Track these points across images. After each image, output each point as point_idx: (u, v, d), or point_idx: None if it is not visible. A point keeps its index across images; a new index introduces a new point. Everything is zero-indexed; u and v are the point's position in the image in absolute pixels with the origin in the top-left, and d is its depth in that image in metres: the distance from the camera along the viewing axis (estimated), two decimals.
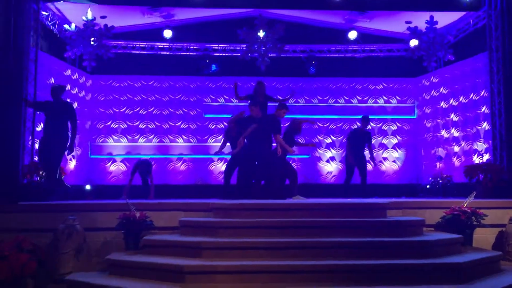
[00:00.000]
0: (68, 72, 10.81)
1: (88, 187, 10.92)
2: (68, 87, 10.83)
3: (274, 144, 8.06)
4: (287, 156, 8.43)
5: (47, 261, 5.57)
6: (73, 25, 10.38)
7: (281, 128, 7.98)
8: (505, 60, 8.96)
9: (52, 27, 10.06)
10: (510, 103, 8.88)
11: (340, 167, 12.14)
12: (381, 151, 12.36)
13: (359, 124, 10.21)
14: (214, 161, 12.07)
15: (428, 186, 11.09)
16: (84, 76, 11.54)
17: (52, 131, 7.79)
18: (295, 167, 11.83)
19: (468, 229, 6.24)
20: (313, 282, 4.73)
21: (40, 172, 7.64)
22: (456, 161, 10.86)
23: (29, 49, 8.38)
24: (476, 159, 10.10)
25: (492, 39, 9.32)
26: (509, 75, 8.90)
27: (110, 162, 11.84)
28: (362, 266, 4.88)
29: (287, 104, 8.52)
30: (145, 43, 11.92)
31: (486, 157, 9.73)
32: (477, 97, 10.30)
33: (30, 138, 8.51)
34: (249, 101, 8.38)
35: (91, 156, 11.76)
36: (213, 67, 11.96)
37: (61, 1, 9.30)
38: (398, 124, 12.47)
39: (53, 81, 10.08)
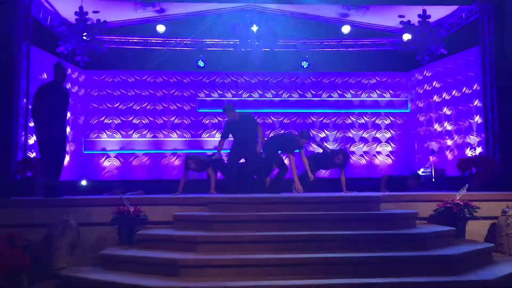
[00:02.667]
0: None
1: (84, 182, 10.88)
2: None
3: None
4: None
5: (41, 257, 5.55)
6: None
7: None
8: (497, 54, 9.02)
9: (44, 22, 10.00)
10: (502, 97, 8.94)
11: None
12: (375, 145, 12.41)
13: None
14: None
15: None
16: (77, 71, 11.49)
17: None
18: (288, 161, 11.90)
19: (461, 221, 6.29)
20: (308, 275, 4.75)
21: (34, 168, 7.62)
22: (449, 155, 10.92)
23: (21, 44, 8.33)
24: (468, 152, 10.17)
25: (485, 33, 9.36)
26: (501, 68, 8.95)
27: (104, 158, 11.81)
28: (355, 258, 4.91)
29: None
30: (138, 38, 11.88)
31: (479, 150, 9.80)
32: (470, 91, 10.36)
33: (23, 133, 8.47)
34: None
35: (85, 152, 11.73)
36: (201, 63, 11.90)
37: None
38: (391, 118, 12.51)
39: (45, 76, 10.03)
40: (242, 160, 8.00)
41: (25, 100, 8.49)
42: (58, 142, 6.64)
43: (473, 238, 6.45)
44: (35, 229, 5.96)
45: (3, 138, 7.55)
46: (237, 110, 7.89)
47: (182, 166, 11.79)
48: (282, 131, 11.83)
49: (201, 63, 11.93)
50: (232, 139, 7.95)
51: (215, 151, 11.80)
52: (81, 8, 9.92)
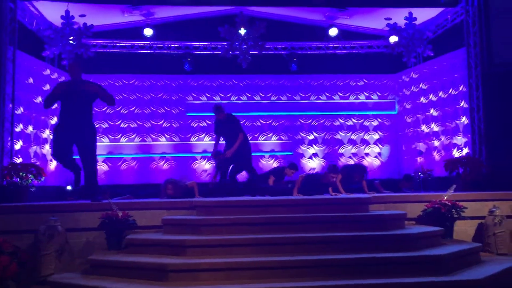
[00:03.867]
0: (47, 71, 10.66)
1: (69, 187, 10.78)
2: (48, 86, 10.70)
3: None
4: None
5: (28, 263, 5.50)
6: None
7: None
8: (483, 55, 9.11)
9: (29, 26, 9.91)
10: (488, 98, 9.03)
11: (323, 163, 12.21)
12: (363, 146, 12.47)
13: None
14: (197, 160, 12.05)
15: None
16: (64, 75, 11.36)
17: (75, 121, 6.83)
18: (278, 163, 11.95)
19: (449, 221, 6.35)
20: (297, 277, 4.76)
21: (20, 174, 7.54)
22: (436, 155, 11.00)
23: (6, 48, 8.24)
24: (455, 153, 10.25)
25: (470, 35, 9.45)
26: (486, 70, 9.05)
27: None
28: (345, 260, 4.93)
29: None
30: (125, 42, 11.81)
31: (466, 151, 9.88)
32: (456, 92, 10.45)
33: (9, 139, 8.38)
34: None
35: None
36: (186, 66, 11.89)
37: (39, 0, 9.16)
38: (379, 119, 12.58)
39: (31, 81, 9.94)
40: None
41: (10, 105, 8.40)
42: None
43: (460, 238, 6.52)
44: (22, 235, 5.92)
45: None
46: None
47: (170, 171, 11.81)
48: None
49: (187, 67, 11.88)
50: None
51: (205, 154, 11.91)
52: (67, 12, 9.85)
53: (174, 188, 7.54)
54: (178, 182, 7.81)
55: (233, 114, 9.11)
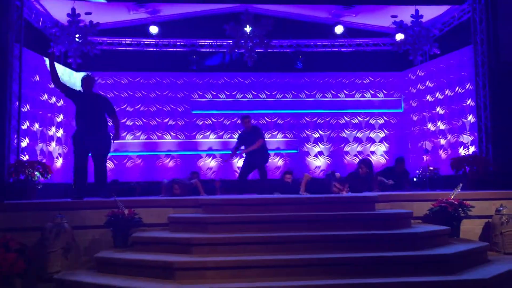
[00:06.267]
0: None
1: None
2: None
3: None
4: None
5: (35, 260, 5.51)
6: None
7: None
8: (490, 53, 9.04)
9: (36, 24, 9.93)
10: (495, 96, 8.97)
11: (328, 162, 12.19)
12: (369, 144, 12.44)
13: None
14: (203, 157, 12.05)
15: (415, 179, 11.16)
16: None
17: (91, 127, 7.05)
18: (283, 162, 11.96)
19: (455, 220, 6.31)
20: (303, 276, 4.75)
21: (27, 171, 7.56)
22: (443, 154, 10.96)
23: (13, 46, 8.25)
24: (462, 152, 10.21)
25: (477, 33, 9.39)
26: (493, 68, 8.98)
27: None
28: (352, 259, 4.91)
29: None
30: (131, 40, 11.83)
31: (472, 149, 9.84)
32: (463, 90, 10.40)
33: (15, 136, 8.41)
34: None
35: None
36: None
37: None
38: (385, 118, 12.55)
39: (38, 79, 9.97)
40: None
41: (17, 103, 8.42)
42: None
43: (467, 237, 6.48)
44: (28, 232, 5.92)
45: None
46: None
47: (175, 169, 11.83)
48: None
49: (192, 66, 11.91)
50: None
51: (210, 151, 11.93)
52: (73, 9, 9.87)
53: (180, 187, 7.56)
54: (183, 181, 7.83)
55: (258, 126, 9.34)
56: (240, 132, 9.24)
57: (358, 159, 12.10)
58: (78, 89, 7.39)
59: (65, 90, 7.27)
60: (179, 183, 7.66)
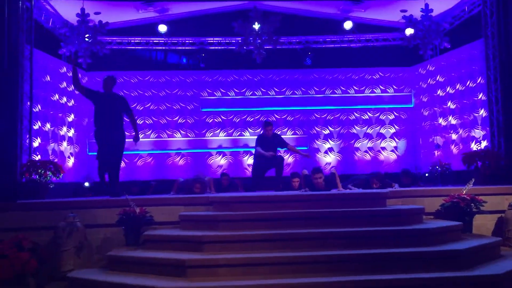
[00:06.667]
0: (64, 69, 10.77)
1: (86, 184, 10.90)
2: (64, 84, 10.80)
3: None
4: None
5: (48, 259, 5.56)
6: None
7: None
8: (501, 46, 8.93)
9: (45, 24, 10.00)
10: (507, 90, 8.87)
11: (338, 158, 12.15)
12: (379, 140, 12.37)
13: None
14: (213, 155, 12.07)
15: (427, 174, 11.10)
16: (80, 73, 11.42)
17: (108, 125, 7.25)
18: (293, 158, 11.94)
19: (468, 216, 6.26)
20: (315, 272, 4.74)
21: (39, 171, 7.63)
22: (454, 149, 10.87)
23: (24, 47, 8.32)
24: (474, 146, 10.12)
25: (488, 26, 9.29)
26: (505, 61, 8.87)
27: None
28: (363, 255, 4.89)
29: None
30: (140, 39, 11.88)
31: (484, 144, 9.74)
32: (474, 84, 10.30)
33: (27, 136, 8.48)
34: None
35: (89, 153, 11.72)
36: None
37: None
38: (395, 113, 12.47)
39: (49, 79, 10.05)
40: None
41: (28, 103, 8.49)
42: None
43: (480, 233, 6.43)
44: (41, 231, 5.98)
45: (8, 141, 7.55)
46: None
47: (186, 167, 11.86)
48: None
49: (201, 64, 11.95)
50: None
51: (220, 149, 11.95)
52: (82, 9, 9.91)
53: (201, 187, 7.51)
54: (203, 180, 7.75)
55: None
56: (260, 136, 8.82)
57: (369, 155, 12.09)
58: (97, 90, 7.52)
59: (85, 92, 7.44)
60: (201, 182, 7.62)
